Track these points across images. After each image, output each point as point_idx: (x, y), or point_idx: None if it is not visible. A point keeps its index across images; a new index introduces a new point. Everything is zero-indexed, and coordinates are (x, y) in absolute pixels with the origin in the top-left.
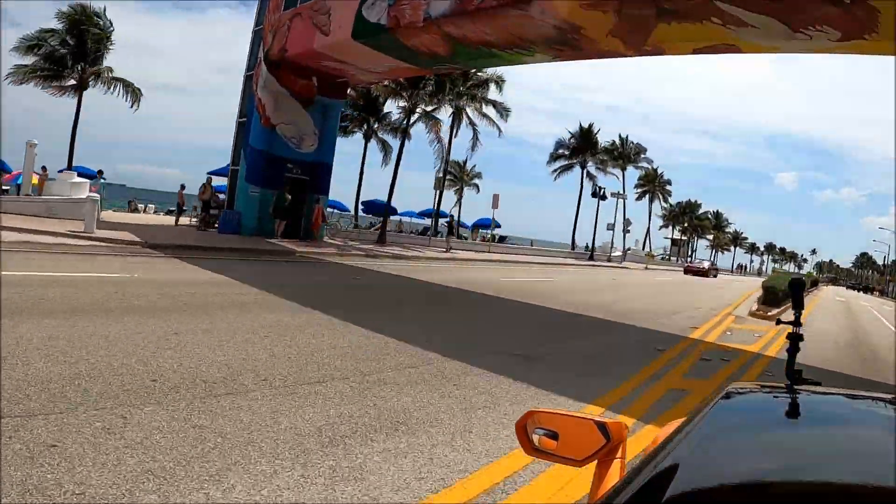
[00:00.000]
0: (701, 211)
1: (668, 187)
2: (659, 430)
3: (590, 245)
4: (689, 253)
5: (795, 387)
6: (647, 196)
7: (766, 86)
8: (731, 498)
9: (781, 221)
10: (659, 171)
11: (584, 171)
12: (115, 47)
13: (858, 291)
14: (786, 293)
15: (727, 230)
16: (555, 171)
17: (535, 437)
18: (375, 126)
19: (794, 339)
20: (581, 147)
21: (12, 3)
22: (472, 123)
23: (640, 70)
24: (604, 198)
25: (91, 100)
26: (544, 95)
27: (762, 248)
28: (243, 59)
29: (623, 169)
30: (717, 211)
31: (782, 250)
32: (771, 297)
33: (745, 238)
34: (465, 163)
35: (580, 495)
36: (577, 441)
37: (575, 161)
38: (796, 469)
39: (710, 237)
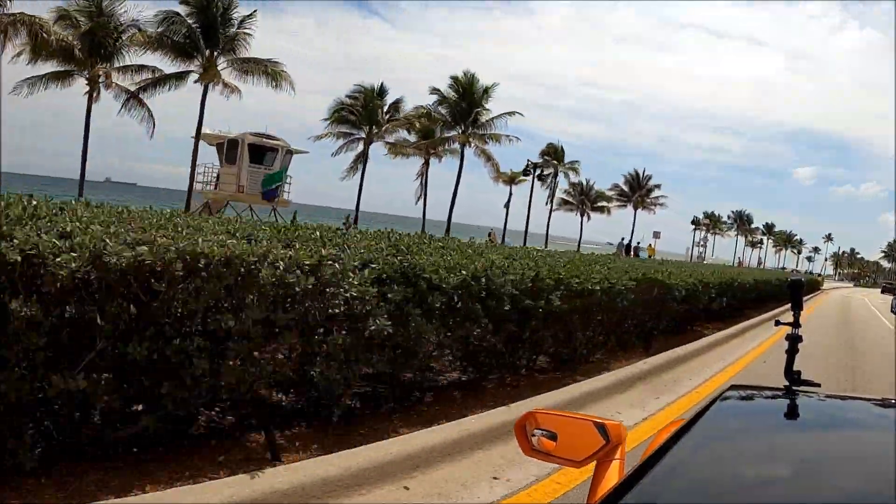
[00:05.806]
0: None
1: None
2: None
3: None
4: None
5: (795, 388)
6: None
7: (781, 81)
8: (729, 499)
9: (800, 217)
10: None
11: None
12: None
13: None
14: None
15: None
16: None
17: (534, 438)
18: None
19: (793, 340)
20: None
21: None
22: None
23: (654, 67)
24: None
25: None
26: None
27: (731, 220)
28: None
29: None
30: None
31: (769, 227)
32: None
33: (656, 186)
34: None
35: None
36: (575, 442)
37: None
38: (795, 471)
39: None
